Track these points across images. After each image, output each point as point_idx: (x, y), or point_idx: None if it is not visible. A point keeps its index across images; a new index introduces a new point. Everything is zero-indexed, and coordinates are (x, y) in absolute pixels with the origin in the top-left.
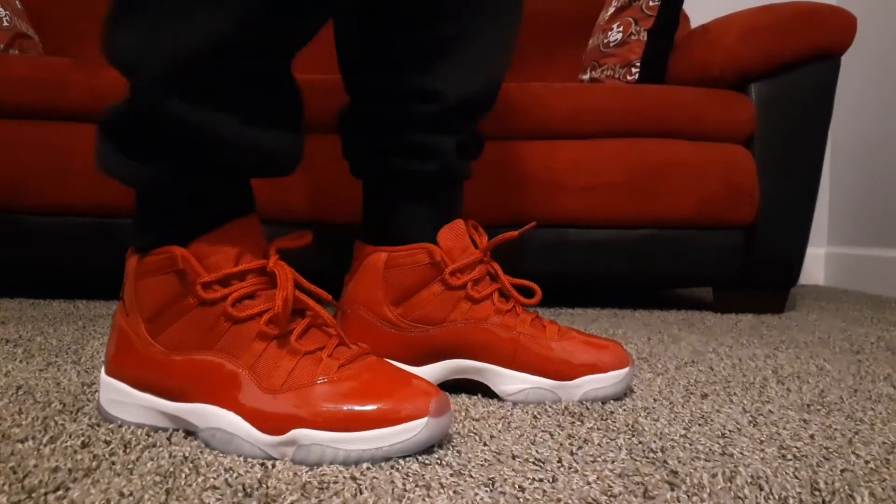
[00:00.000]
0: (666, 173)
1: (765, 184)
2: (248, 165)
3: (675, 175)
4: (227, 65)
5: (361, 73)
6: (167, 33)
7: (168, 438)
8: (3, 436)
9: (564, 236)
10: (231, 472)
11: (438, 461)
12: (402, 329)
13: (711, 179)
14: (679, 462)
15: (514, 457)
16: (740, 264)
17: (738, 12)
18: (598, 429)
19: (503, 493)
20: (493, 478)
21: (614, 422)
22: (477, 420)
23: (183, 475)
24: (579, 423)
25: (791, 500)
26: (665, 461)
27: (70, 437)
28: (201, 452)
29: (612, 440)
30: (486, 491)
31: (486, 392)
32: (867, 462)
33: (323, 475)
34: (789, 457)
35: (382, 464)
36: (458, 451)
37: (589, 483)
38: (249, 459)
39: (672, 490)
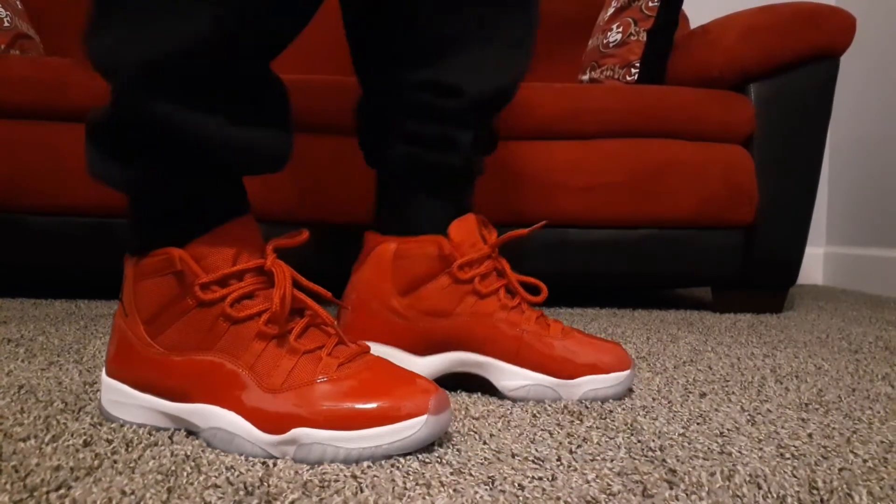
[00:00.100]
0: (666, 173)
1: (764, 184)
2: (234, 164)
3: (674, 175)
4: (205, 67)
5: (376, 68)
6: (144, 36)
7: (170, 437)
8: (6, 435)
9: (564, 236)
10: (232, 470)
11: (438, 459)
12: (407, 319)
13: (711, 179)
14: (678, 461)
15: (513, 455)
16: (740, 264)
17: (737, 12)
18: (598, 427)
19: (503, 492)
20: (492, 476)
21: (613, 420)
22: (477, 419)
23: (185, 474)
24: (578, 421)
25: (789, 499)
26: (664, 460)
27: (72, 435)
28: (203, 451)
29: (611, 439)
30: (486, 489)
31: (486, 390)
32: (865, 461)
33: (324, 474)
34: (787, 455)
35: (383, 462)
36: (458, 450)
37: (588, 481)
38: (251, 458)
39: (671, 488)
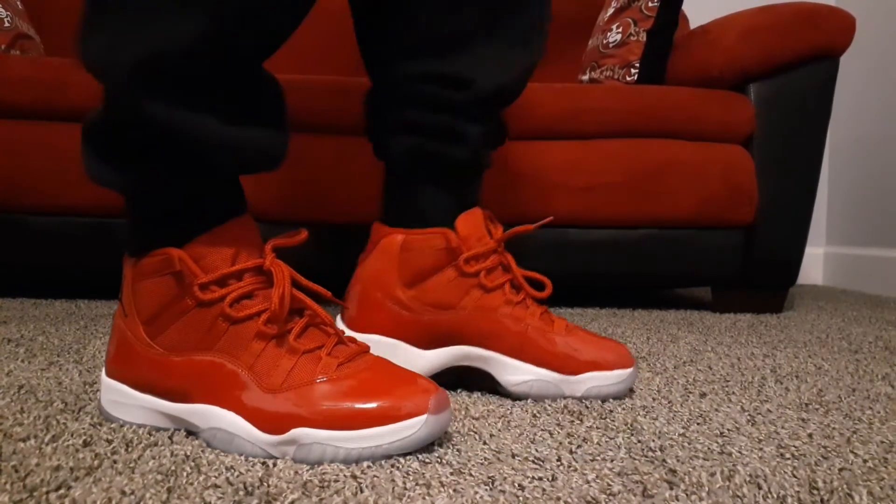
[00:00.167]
0: (666, 173)
1: (764, 184)
2: (230, 164)
3: (674, 175)
4: (198, 66)
5: (385, 60)
6: (137, 36)
7: (170, 437)
8: (5, 435)
9: (564, 236)
10: (232, 470)
11: (438, 460)
12: (413, 311)
13: (711, 179)
14: (678, 461)
15: (513, 455)
16: (740, 264)
17: (737, 13)
18: (598, 427)
19: (503, 492)
20: (492, 476)
21: (613, 420)
22: (477, 419)
23: (184, 474)
24: (578, 421)
25: (789, 499)
26: (664, 460)
27: (72, 435)
28: (203, 451)
29: (611, 439)
30: (486, 489)
31: (487, 390)
32: (865, 461)
33: (324, 474)
34: (787, 456)
35: (383, 462)
36: (457, 450)
37: (588, 482)
38: (250, 458)
39: (671, 489)
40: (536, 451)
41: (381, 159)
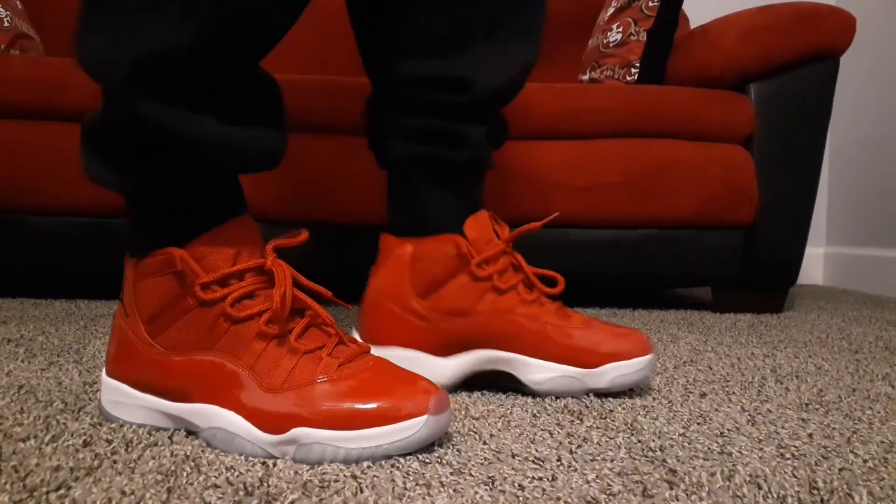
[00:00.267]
0: (666, 173)
1: (764, 184)
2: (228, 163)
3: (674, 175)
4: (195, 66)
5: (384, 61)
6: (134, 37)
7: (169, 437)
8: (5, 435)
9: (564, 236)
10: (232, 470)
11: (438, 460)
12: (429, 321)
13: (711, 179)
14: (678, 461)
15: (513, 455)
16: (740, 264)
17: (737, 12)
18: (598, 427)
19: (503, 492)
20: (492, 476)
21: (613, 420)
22: (477, 419)
23: (184, 474)
24: (578, 421)
25: (789, 499)
26: (664, 460)
27: (72, 436)
28: (203, 451)
29: (611, 439)
30: (486, 489)
31: (487, 389)
32: (865, 461)
33: (324, 474)
34: (788, 456)
35: (383, 462)
36: (458, 450)
37: (588, 482)
38: (250, 458)
39: (671, 489)
40: (536, 451)
41: (383, 167)
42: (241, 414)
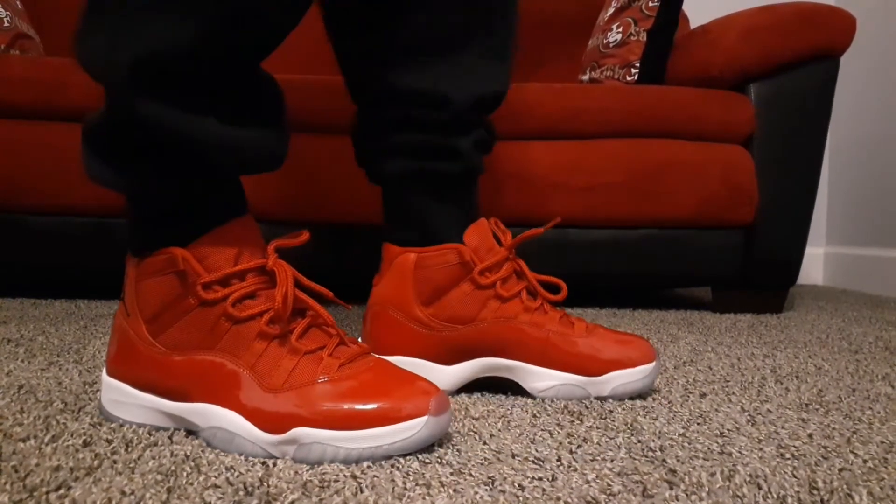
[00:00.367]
0: (666, 173)
1: (764, 184)
2: (230, 164)
3: (674, 175)
4: (196, 67)
5: (367, 81)
6: (134, 37)
7: (169, 437)
8: (5, 435)
9: (564, 236)
10: (232, 470)
11: (438, 460)
12: (433, 329)
13: (711, 179)
14: (678, 461)
15: (513, 455)
16: (740, 264)
17: (737, 12)
18: (598, 427)
19: (503, 492)
20: (492, 476)
21: (613, 420)
22: (477, 419)
23: (184, 474)
24: (578, 421)
25: (789, 499)
26: (664, 460)
27: (72, 436)
28: (203, 451)
29: (611, 439)
30: (486, 489)
31: (488, 390)
32: (865, 461)
33: (324, 474)
34: (788, 456)
35: (383, 462)
36: (458, 450)
37: (588, 482)
38: (250, 458)
39: (671, 489)
40: (536, 451)
41: (376, 184)
42: (242, 414)
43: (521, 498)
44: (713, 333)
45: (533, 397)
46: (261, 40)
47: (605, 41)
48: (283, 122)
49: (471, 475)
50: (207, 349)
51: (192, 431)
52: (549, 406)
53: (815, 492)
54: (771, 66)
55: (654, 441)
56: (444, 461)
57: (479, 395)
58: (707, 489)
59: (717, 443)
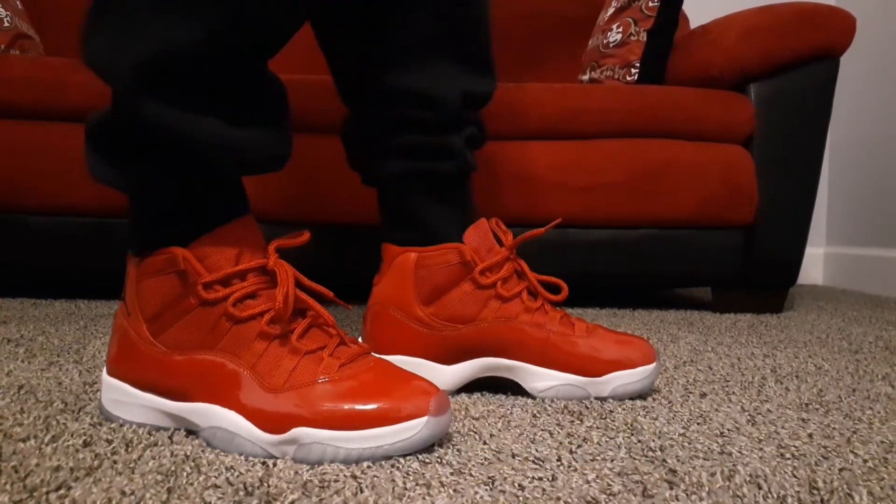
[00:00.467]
0: (666, 173)
1: (764, 184)
2: (233, 165)
3: (674, 175)
4: (201, 67)
5: (358, 83)
6: (139, 37)
7: (169, 437)
8: (5, 435)
9: (564, 236)
10: (232, 470)
11: (438, 460)
12: (433, 328)
13: (711, 179)
14: (678, 461)
15: (513, 455)
16: (740, 264)
17: (737, 12)
18: (598, 427)
19: (503, 492)
20: (492, 476)
21: (613, 420)
22: (477, 419)
23: (184, 474)
24: (578, 421)
25: (790, 499)
26: (664, 460)
27: (72, 436)
28: (203, 451)
29: (611, 439)
30: (486, 489)
31: (488, 390)
32: (865, 461)
33: (324, 474)
34: (788, 456)
35: (383, 462)
36: (458, 450)
37: (588, 482)
38: (251, 458)
39: (671, 489)
40: (536, 451)
41: (372, 186)
42: (242, 413)
43: (521, 498)
44: (713, 333)
45: (533, 397)
46: (263, 41)
47: (605, 41)
48: (285, 124)
49: (471, 475)
50: (208, 349)
51: (192, 431)
52: (549, 406)
53: (815, 492)
54: (771, 66)
55: (654, 441)
56: (444, 461)
57: (479, 395)
58: (707, 489)
59: (718, 443)
